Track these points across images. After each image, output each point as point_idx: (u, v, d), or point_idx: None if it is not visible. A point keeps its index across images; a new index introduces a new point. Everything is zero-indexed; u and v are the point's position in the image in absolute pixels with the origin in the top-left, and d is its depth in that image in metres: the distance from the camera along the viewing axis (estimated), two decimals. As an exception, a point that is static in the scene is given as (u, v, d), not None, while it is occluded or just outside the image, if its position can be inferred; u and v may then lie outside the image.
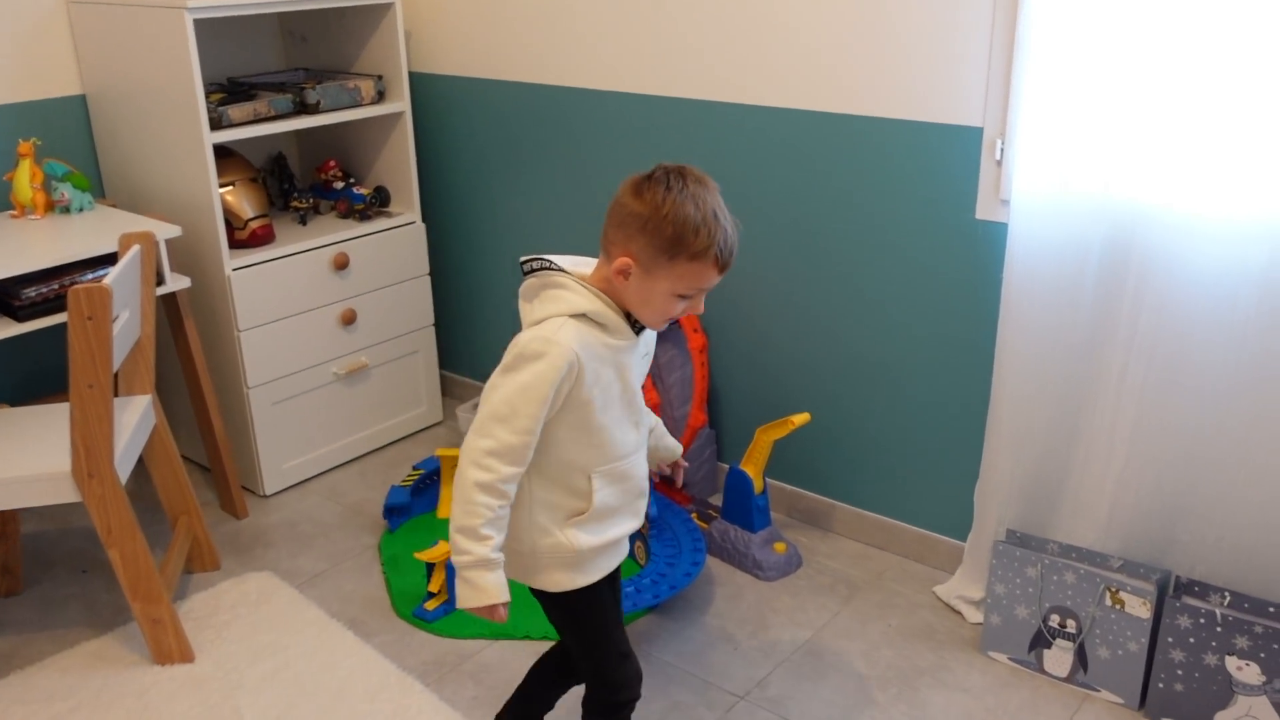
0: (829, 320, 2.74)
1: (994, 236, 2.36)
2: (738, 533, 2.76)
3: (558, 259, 1.68)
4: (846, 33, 2.46)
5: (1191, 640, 2.12)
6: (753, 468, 2.70)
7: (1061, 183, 2.17)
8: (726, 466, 2.86)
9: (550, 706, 2.03)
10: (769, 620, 2.56)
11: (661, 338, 2.92)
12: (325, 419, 3.23)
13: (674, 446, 1.98)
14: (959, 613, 2.56)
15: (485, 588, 1.63)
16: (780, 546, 2.73)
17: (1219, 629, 2.08)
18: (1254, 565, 2.15)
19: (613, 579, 1.84)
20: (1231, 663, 2.09)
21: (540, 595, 1.80)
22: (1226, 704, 2.12)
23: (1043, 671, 2.34)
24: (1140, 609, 2.17)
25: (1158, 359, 2.14)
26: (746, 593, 2.67)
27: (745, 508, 2.74)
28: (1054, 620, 2.30)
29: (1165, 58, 2.00)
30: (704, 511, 2.90)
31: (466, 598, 1.64)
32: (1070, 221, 2.19)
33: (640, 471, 1.78)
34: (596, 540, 1.73)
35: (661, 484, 2.91)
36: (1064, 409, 2.31)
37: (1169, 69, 2.00)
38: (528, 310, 1.68)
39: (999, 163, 2.33)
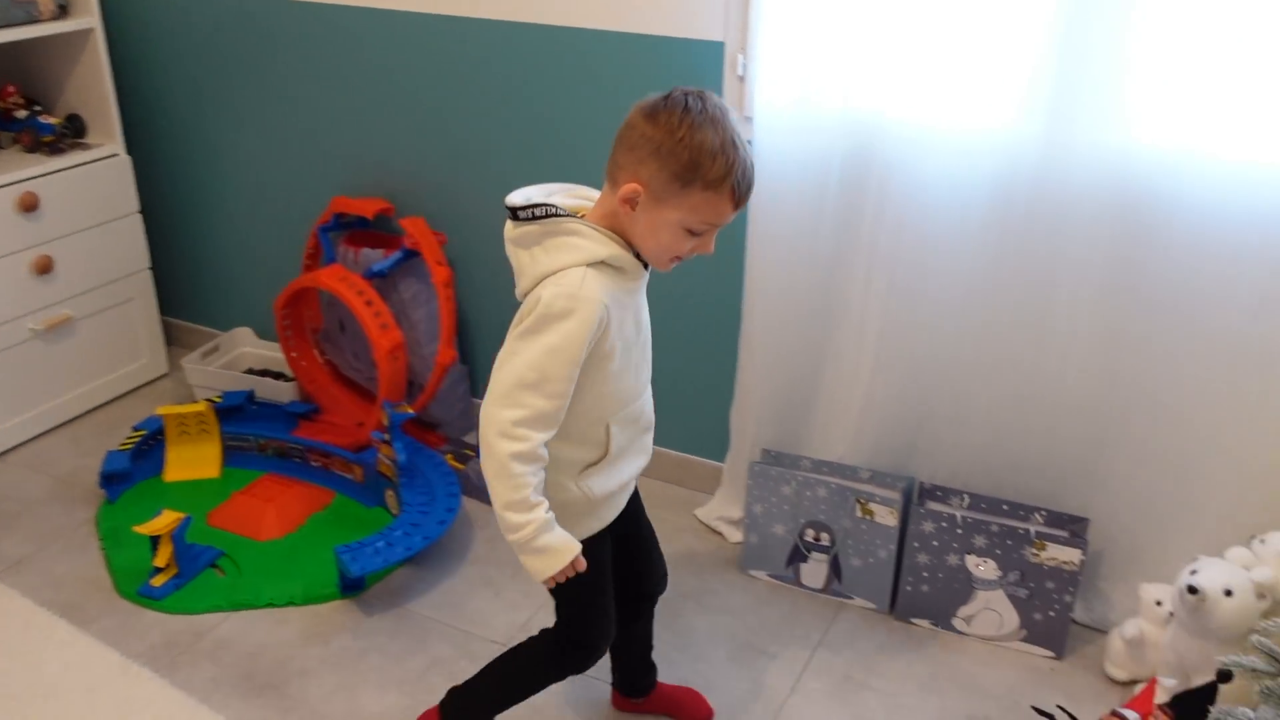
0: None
1: (736, 153, 2.31)
2: (496, 472, 2.65)
3: (553, 197, 1.54)
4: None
5: (935, 543, 2.19)
6: (507, 404, 2.59)
7: (803, 97, 2.14)
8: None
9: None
10: (531, 560, 2.48)
11: (405, 272, 2.74)
12: (25, 381, 2.86)
13: None
14: (720, 534, 2.57)
15: (556, 549, 1.54)
16: (540, 482, 2.65)
17: (959, 530, 2.16)
18: (989, 467, 2.24)
19: (622, 520, 1.76)
20: (971, 561, 2.18)
21: None
22: (968, 600, 2.21)
23: (800, 585, 2.37)
24: (888, 518, 2.23)
25: (899, 269, 2.17)
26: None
27: (502, 446, 2.63)
28: (809, 535, 2.33)
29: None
30: (459, 452, 2.77)
31: (541, 568, 1.55)
32: (813, 135, 2.16)
33: (648, 408, 1.71)
34: (611, 485, 1.66)
35: (412, 426, 2.75)
36: (813, 324, 2.31)
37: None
38: (529, 260, 1.53)
39: (741, 78, 2.27)
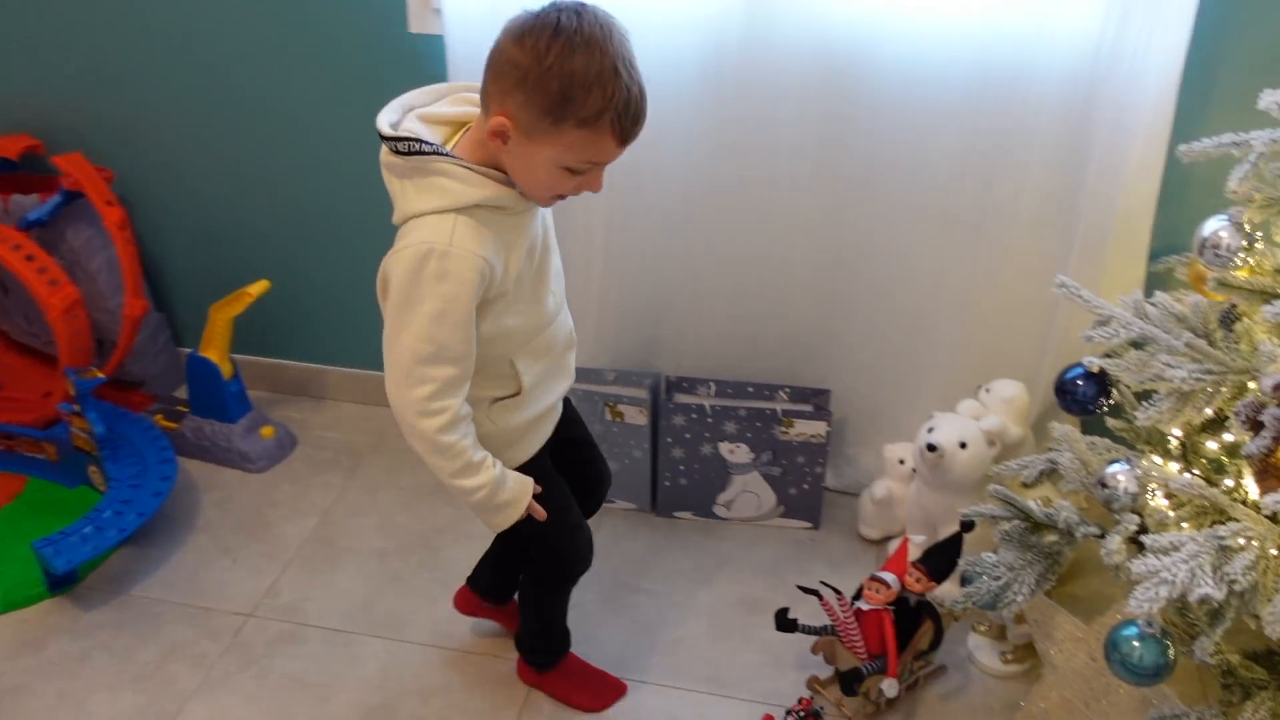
0: (267, 171, 2.37)
1: (432, 51, 2.11)
2: (214, 426, 2.40)
3: (436, 106, 1.38)
4: None
5: (688, 435, 2.16)
6: (215, 351, 2.33)
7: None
8: (189, 352, 2.45)
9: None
10: (269, 517, 2.28)
11: (74, 217, 2.39)
12: None
13: None
14: (471, 456, 2.45)
15: (513, 498, 1.52)
16: (268, 431, 2.42)
17: (709, 419, 2.14)
18: (730, 353, 2.21)
19: (562, 444, 1.68)
20: (724, 448, 2.16)
21: None
22: (725, 486, 2.21)
23: (560, 496, 2.30)
24: (638, 417, 2.17)
25: (614, 164, 2.06)
26: (238, 492, 2.34)
27: (216, 397, 2.38)
28: (562, 445, 2.25)
29: None
30: (170, 410, 2.49)
31: (503, 519, 1.53)
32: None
33: (563, 332, 1.57)
34: (530, 414, 1.55)
35: (110, 389, 2.44)
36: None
37: None
38: (401, 191, 1.37)
39: (418, -36, 2.06)
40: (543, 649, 1.87)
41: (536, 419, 1.58)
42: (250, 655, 1.96)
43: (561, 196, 1.39)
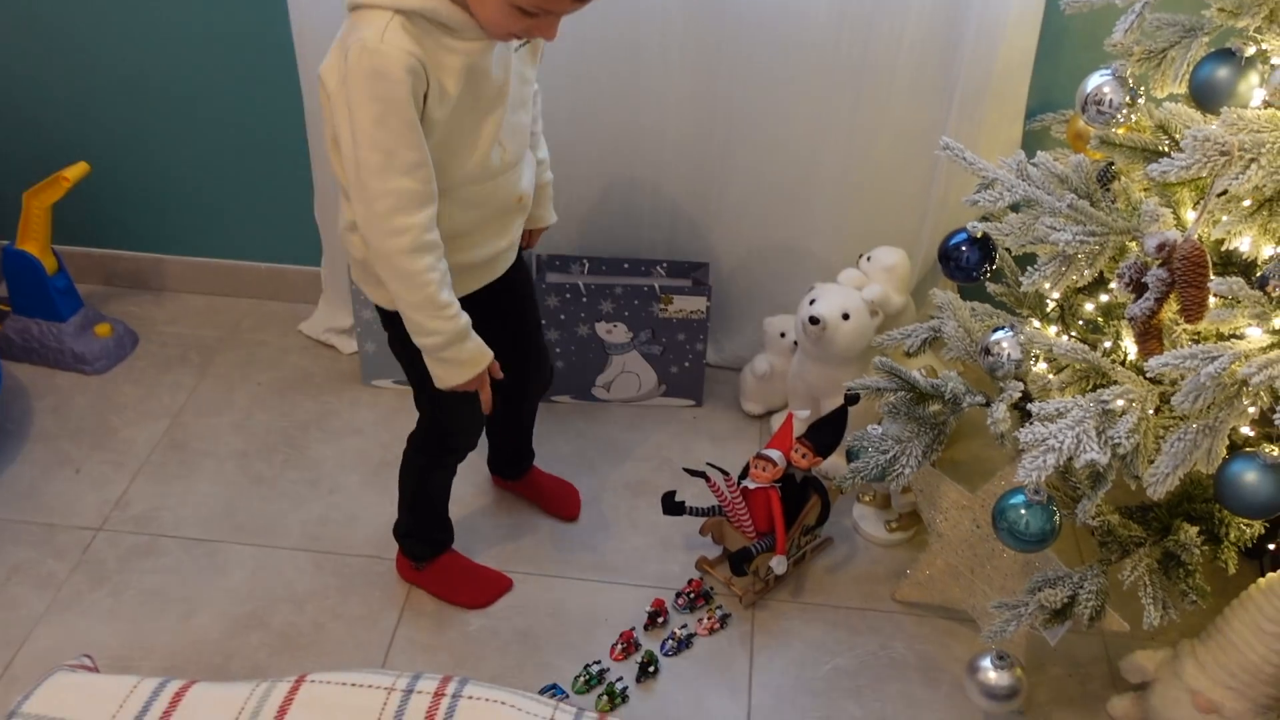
0: (94, 48, 2.11)
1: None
2: (42, 326, 2.18)
3: None
4: None
5: (562, 317, 2.06)
6: (34, 244, 2.11)
7: None
8: (3, 244, 2.21)
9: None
10: (112, 422, 2.11)
11: None
12: None
13: (543, 215, 1.68)
14: (332, 347, 2.30)
15: (468, 358, 1.44)
16: (103, 329, 2.22)
17: (584, 299, 2.04)
18: (604, 227, 2.11)
19: (503, 317, 1.59)
20: (601, 328, 2.08)
21: (382, 313, 1.54)
22: (604, 367, 2.13)
23: (431, 385, 2.19)
24: (510, 299, 2.06)
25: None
26: (75, 397, 2.16)
27: (41, 294, 2.16)
28: (430, 332, 2.12)
29: None
30: (-10, 310, 2.26)
31: (447, 376, 1.45)
32: None
33: (508, 191, 1.47)
34: (451, 261, 1.42)
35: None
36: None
37: None
38: (349, 22, 1.30)
39: None
40: (419, 537, 1.79)
41: (458, 270, 1.46)
42: (103, 572, 1.82)
43: (515, 36, 1.32)
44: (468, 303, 1.46)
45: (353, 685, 1.15)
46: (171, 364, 2.25)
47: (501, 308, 1.59)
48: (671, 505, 1.78)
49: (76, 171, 2.07)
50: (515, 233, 1.56)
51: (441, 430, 1.68)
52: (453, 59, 1.30)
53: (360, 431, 2.11)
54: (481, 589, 1.80)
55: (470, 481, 1.97)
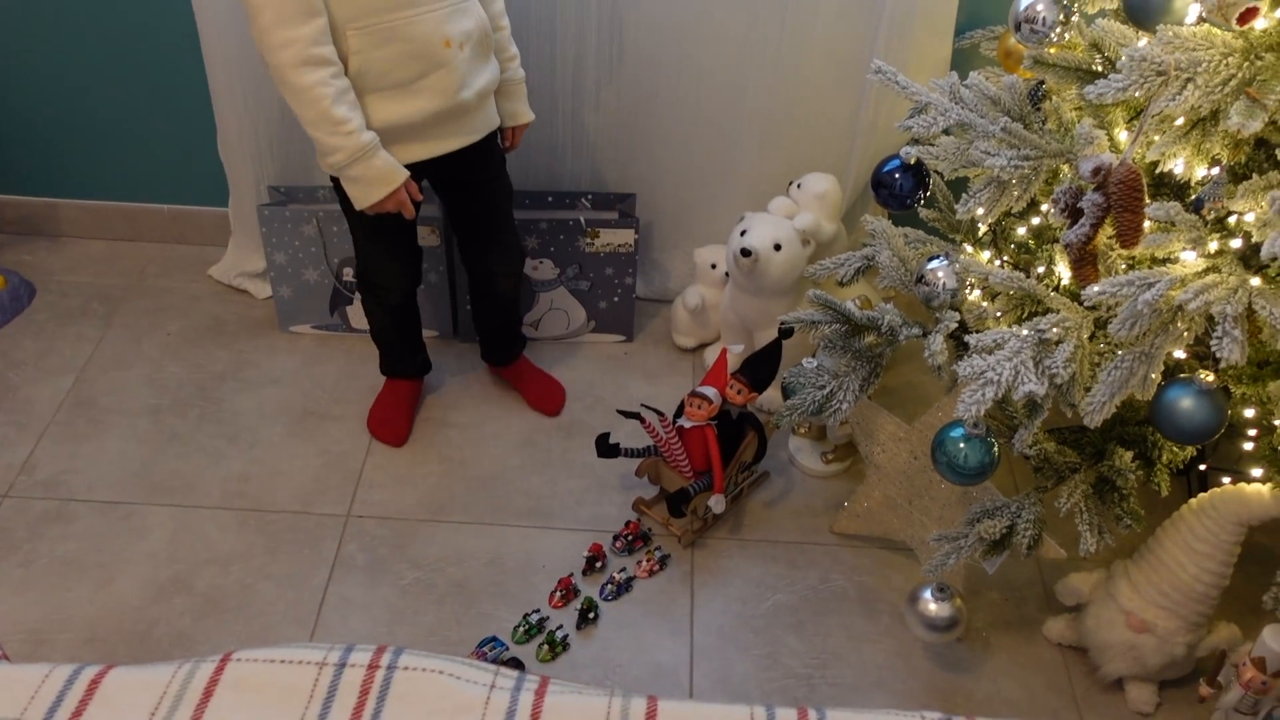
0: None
1: None
2: (-71, 282, 2.05)
3: None
4: None
5: (486, 254, 1.99)
6: (-88, 194, 1.96)
7: None
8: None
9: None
10: (11, 380, 1.99)
11: None
12: None
13: (518, 111, 1.70)
14: (245, 291, 2.20)
15: (376, 175, 1.48)
16: (-3, 281, 2.10)
17: (509, 235, 1.97)
18: (525, 161, 2.02)
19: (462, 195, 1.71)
20: (528, 265, 2.01)
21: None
22: (532, 304, 2.07)
23: (351, 329, 2.11)
24: (430, 238, 1.97)
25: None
26: (-30, 356, 2.04)
27: (-75, 248, 2.02)
28: (347, 274, 2.03)
29: None
30: None
31: (361, 196, 1.50)
32: None
33: (431, 29, 1.45)
34: (376, 118, 1.48)
35: None
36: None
37: None
38: None
39: None
40: (381, 354, 1.93)
41: (393, 130, 1.50)
42: (11, 541, 1.73)
43: None
44: (417, 172, 1.53)
45: (281, 662, 1.10)
46: (73, 315, 2.13)
47: (460, 188, 1.69)
48: (606, 448, 1.74)
49: (-48, 114, 1.92)
50: (454, 97, 1.53)
51: (363, 267, 1.75)
52: None
53: (279, 381, 2.03)
54: (389, 427, 1.90)
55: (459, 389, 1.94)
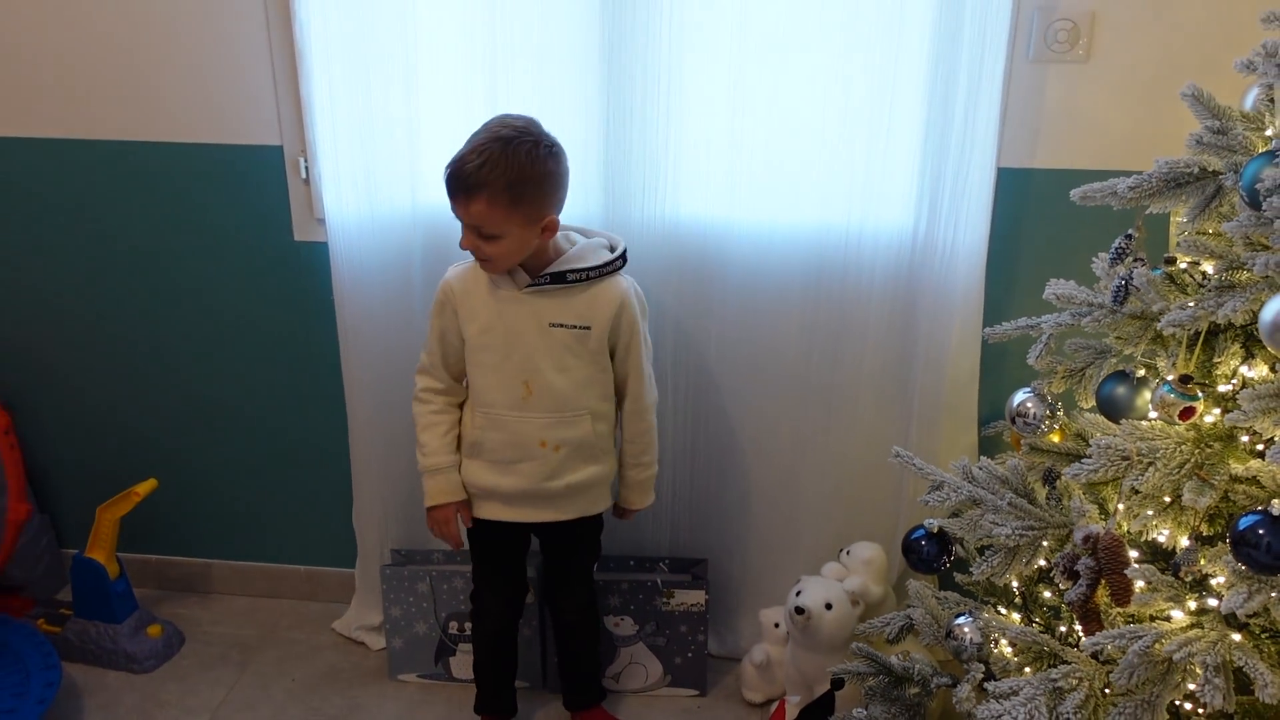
0: (158, 374, 2.45)
1: (318, 258, 2.25)
2: (99, 628, 2.38)
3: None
4: (116, 53, 2.16)
5: (574, 611, 2.25)
6: (101, 552, 2.34)
7: (369, 194, 2.11)
8: (74, 553, 2.45)
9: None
10: (156, 717, 2.26)
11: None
12: None
13: (632, 499, 2.05)
14: (362, 644, 2.47)
15: (430, 489, 1.95)
16: (154, 630, 2.42)
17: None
18: (609, 529, 2.32)
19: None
20: (610, 621, 2.26)
21: None
22: (614, 658, 2.29)
23: (453, 678, 2.34)
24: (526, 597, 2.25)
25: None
26: (124, 695, 2.32)
27: (101, 598, 2.37)
28: (453, 628, 2.30)
29: (443, 66, 2.03)
30: (53, 614, 2.46)
31: (426, 496, 1.96)
32: (389, 233, 2.15)
33: (531, 430, 1.87)
34: (473, 478, 1.94)
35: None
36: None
37: (443, 79, 2.04)
38: None
39: (306, 181, 2.22)
40: (477, 687, 2.19)
41: (480, 492, 1.94)
42: None
43: (475, 254, 1.81)
44: (498, 527, 1.97)
45: None
46: (213, 662, 2.42)
47: (551, 542, 2.09)
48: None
49: (146, 487, 2.34)
50: (541, 484, 1.91)
51: (474, 589, 2.11)
52: (490, 299, 1.84)
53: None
54: None
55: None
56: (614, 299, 1.85)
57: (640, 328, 1.90)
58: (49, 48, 2.18)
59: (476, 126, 1.78)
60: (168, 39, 2.14)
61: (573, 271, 1.81)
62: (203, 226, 2.30)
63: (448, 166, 1.73)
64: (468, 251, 1.81)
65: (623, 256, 1.88)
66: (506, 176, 1.68)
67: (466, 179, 1.70)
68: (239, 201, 2.26)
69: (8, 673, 2.19)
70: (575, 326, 1.83)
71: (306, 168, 2.20)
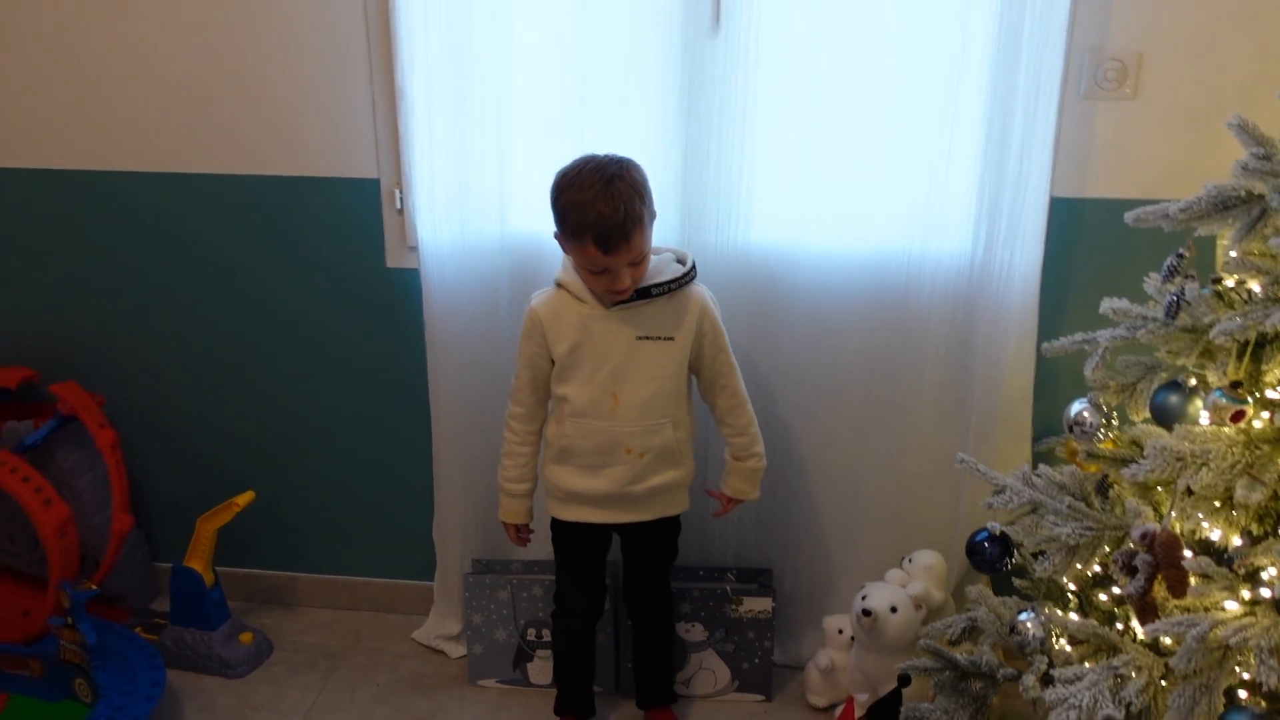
0: (254, 394, 2.61)
1: (409, 283, 2.41)
2: (195, 635, 2.52)
3: None
4: (220, 90, 2.35)
5: (647, 617, 2.37)
6: (199, 562, 2.49)
7: (461, 223, 2.28)
8: (166, 566, 2.60)
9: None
10: (251, 719, 2.39)
11: (64, 439, 2.57)
12: None
13: (740, 489, 2.16)
14: (441, 652, 2.60)
15: (503, 506, 2.17)
16: (246, 637, 2.55)
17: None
18: (681, 539, 2.45)
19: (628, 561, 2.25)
20: (681, 627, 2.37)
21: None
22: (684, 664, 2.40)
23: (529, 684, 2.46)
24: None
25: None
26: (219, 698, 2.45)
27: (198, 606, 2.51)
28: (531, 634, 2.43)
29: (534, 102, 2.21)
30: (149, 622, 2.61)
31: (501, 510, 2.19)
32: (477, 259, 2.30)
33: (617, 437, 2.01)
34: (557, 481, 2.09)
35: (89, 603, 2.55)
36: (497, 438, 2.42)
37: (534, 116, 2.22)
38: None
39: (400, 211, 2.39)
40: (558, 688, 2.35)
41: (564, 496, 2.10)
42: None
43: (608, 291, 1.93)
44: (584, 528, 2.11)
45: None
46: (301, 669, 2.55)
47: (632, 541, 2.21)
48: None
49: (245, 499, 2.49)
50: (624, 487, 2.05)
51: (557, 591, 2.25)
52: (576, 319, 1.97)
53: (467, 726, 2.37)
54: None
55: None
56: (694, 306, 2.00)
57: (722, 327, 2.04)
58: (165, 85, 2.37)
59: (563, 159, 1.94)
60: (275, 80, 2.32)
61: (656, 286, 1.96)
62: (301, 255, 2.46)
63: (592, 230, 1.82)
64: (616, 292, 1.92)
65: (694, 267, 2.03)
66: (639, 200, 1.85)
67: (622, 225, 1.82)
68: (336, 230, 2.43)
69: (116, 673, 2.32)
70: (660, 338, 1.98)
71: (401, 198, 2.37)
